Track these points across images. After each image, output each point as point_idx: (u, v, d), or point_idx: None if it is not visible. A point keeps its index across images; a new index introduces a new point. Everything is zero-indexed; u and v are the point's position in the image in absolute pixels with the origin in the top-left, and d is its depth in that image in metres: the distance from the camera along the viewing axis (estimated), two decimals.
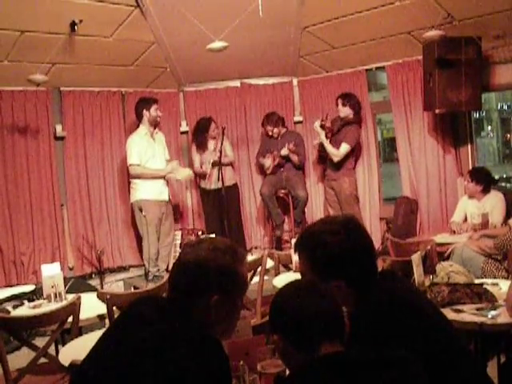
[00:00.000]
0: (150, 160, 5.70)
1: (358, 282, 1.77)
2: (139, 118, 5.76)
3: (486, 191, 4.94)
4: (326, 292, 1.58)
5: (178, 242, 6.02)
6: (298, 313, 1.52)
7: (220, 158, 5.86)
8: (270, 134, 6.29)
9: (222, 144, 5.89)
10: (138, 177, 5.67)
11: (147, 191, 5.65)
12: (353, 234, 1.79)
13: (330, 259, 1.77)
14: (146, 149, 5.69)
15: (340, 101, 5.91)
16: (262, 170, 6.55)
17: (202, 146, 6.19)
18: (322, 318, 1.51)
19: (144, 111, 5.70)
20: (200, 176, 6.32)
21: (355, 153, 6.10)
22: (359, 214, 5.99)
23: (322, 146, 6.00)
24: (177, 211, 6.52)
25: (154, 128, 5.84)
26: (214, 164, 6.07)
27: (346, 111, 5.88)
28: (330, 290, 1.62)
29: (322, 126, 5.88)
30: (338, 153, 5.86)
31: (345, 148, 5.85)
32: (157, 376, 1.45)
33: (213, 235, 4.74)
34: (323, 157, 6.21)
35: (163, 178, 5.78)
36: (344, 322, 1.56)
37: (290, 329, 1.53)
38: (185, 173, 5.94)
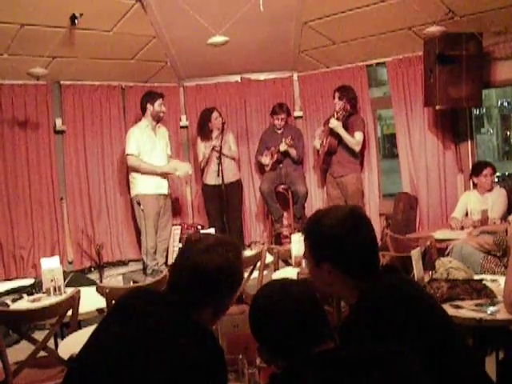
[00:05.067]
0: (149, 153, 5.69)
1: (353, 271, 1.75)
2: (143, 110, 5.76)
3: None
4: (302, 294, 1.55)
5: (178, 236, 6.01)
6: (278, 325, 1.50)
7: (221, 148, 5.85)
8: (279, 123, 6.26)
9: (222, 136, 5.88)
10: (135, 169, 5.68)
11: (145, 185, 5.65)
12: (355, 222, 1.79)
13: (322, 239, 1.78)
14: (145, 142, 5.68)
15: (337, 94, 5.88)
16: (261, 167, 6.54)
17: (205, 137, 6.13)
18: (302, 326, 1.48)
19: (148, 105, 5.70)
20: (203, 169, 6.28)
21: (362, 148, 6.05)
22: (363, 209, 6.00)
23: (335, 139, 5.93)
24: (177, 206, 6.52)
25: (157, 123, 5.82)
26: (214, 149, 6.01)
27: (341, 104, 5.84)
28: (305, 289, 1.59)
29: (338, 118, 5.79)
30: (356, 141, 5.83)
31: (360, 135, 5.84)
32: (154, 368, 1.46)
33: (212, 230, 4.74)
34: (331, 152, 6.04)
35: (162, 174, 5.77)
36: (327, 320, 1.54)
37: (272, 342, 1.52)
38: (184, 168, 5.90)
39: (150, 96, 5.73)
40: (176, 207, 6.49)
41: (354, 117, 5.91)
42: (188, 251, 1.71)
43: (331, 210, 1.88)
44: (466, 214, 5.09)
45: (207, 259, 1.65)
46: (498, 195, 4.91)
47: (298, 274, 3.41)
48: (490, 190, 5.01)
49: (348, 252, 1.75)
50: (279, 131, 6.31)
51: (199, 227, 6.13)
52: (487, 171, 4.98)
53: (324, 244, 1.78)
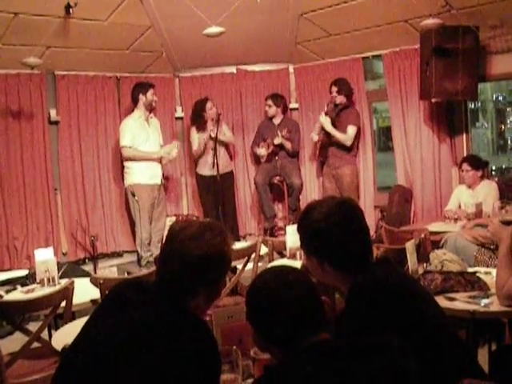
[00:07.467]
0: (143, 144, 5.73)
1: (342, 265, 1.77)
2: (135, 101, 5.79)
3: (482, 177, 4.98)
4: (300, 282, 1.54)
5: None
6: (273, 312, 1.49)
7: (216, 137, 5.83)
8: (268, 110, 6.27)
9: (217, 127, 5.86)
10: (130, 159, 5.69)
11: (140, 175, 5.67)
12: (342, 216, 1.79)
13: (309, 232, 1.81)
14: (139, 132, 5.71)
15: (334, 88, 5.89)
16: (257, 159, 6.53)
17: (200, 127, 6.10)
18: (298, 313, 1.48)
19: (140, 95, 5.72)
20: (197, 159, 6.26)
21: (358, 141, 6.07)
22: (357, 202, 6.00)
23: (325, 135, 5.95)
24: (172, 197, 6.51)
25: (150, 112, 5.85)
26: (210, 138, 5.95)
27: (341, 99, 5.87)
28: (304, 277, 1.59)
29: (327, 114, 5.83)
30: (347, 137, 5.85)
31: (352, 130, 5.86)
32: (146, 359, 1.46)
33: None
34: (326, 145, 6.05)
35: (157, 161, 5.79)
36: (323, 310, 1.54)
37: (268, 329, 1.51)
38: (174, 149, 5.85)
39: (142, 86, 5.79)
40: (171, 198, 6.48)
41: (348, 110, 5.91)
42: (174, 240, 1.67)
43: (323, 202, 1.88)
44: (460, 207, 5.10)
45: (194, 247, 1.63)
46: (489, 189, 4.91)
47: (303, 264, 3.40)
48: (470, 184, 5.01)
49: (333, 246, 1.76)
50: (276, 123, 6.30)
51: (194, 218, 6.11)
52: (463, 167, 5.02)
53: (310, 238, 1.81)
